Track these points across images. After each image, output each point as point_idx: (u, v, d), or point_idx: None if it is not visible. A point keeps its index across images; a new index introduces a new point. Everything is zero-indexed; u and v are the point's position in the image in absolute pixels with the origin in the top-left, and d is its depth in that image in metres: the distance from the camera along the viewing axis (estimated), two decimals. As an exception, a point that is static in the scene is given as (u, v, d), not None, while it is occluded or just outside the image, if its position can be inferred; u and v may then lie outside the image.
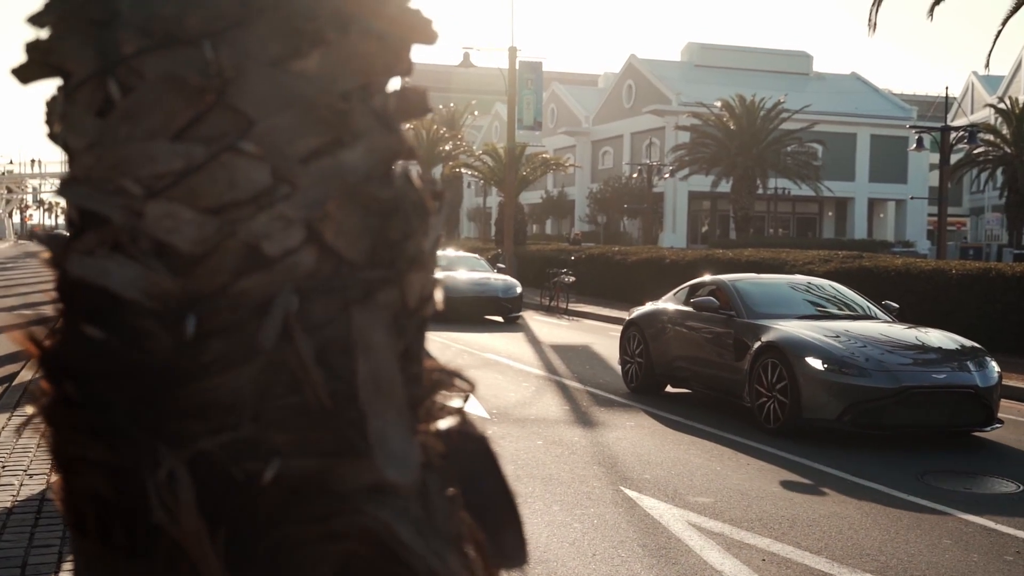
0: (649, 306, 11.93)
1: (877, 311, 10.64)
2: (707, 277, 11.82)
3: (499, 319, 20.43)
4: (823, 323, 9.68)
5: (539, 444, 7.95)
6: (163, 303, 1.17)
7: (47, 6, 1.23)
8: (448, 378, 1.39)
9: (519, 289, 20.87)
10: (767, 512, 6.15)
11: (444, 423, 1.35)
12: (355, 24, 1.27)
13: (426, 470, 1.28)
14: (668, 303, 11.54)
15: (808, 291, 11.16)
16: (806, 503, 6.40)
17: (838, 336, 9.06)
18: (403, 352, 1.28)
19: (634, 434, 8.52)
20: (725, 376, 9.84)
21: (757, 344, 9.26)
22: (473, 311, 20.11)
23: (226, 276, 1.18)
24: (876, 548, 5.53)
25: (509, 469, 6.98)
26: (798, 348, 8.85)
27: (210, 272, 1.18)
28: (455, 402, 1.38)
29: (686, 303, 11.10)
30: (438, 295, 1.34)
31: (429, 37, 1.36)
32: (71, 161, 1.25)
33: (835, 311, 10.52)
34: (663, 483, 6.77)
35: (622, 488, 6.57)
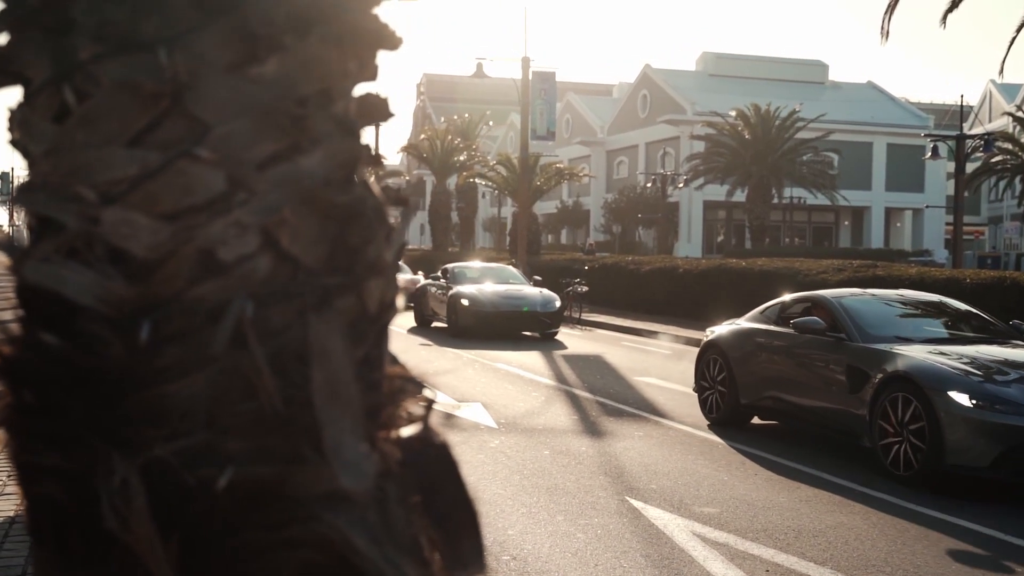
0: (730, 325, 10.42)
1: (1009, 331, 9.10)
2: (800, 293, 10.40)
3: (536, 335, 18.82)
4: (956, 348, 8.23)
5: (546, 454, 7.93)
6: (118, 309, 1.17)
7: (2, 13, 1.23)
8: (411, 385, 1.38)
9: (558, 303, 19.19)
10: (773, 522, 6.12)
11: (405, 430, 1.34)
12: (314, 30, 1.26)
13: (384, 478, 1.27)
14: (754, 322, 10.02)
15: (925, 309, 9.72)
16: (812, 513, 6.36)
17: (981, 364, 7.68)
18: (363, 359, 1.27)
19: (642, 444, 8.50)
20: (836, 410, 8.30)
21: (880, 375, 7.84)
22: (509, 327, 18.58)
23: (181, 282, 1.18)
24: (882, 559, 5.49)
25: (515, 479, 6.97)
26: (936, 380, 7.42)
27: (165, 278, 1.18)
28: (417, 409, 1.38)
29: (778, 323, 9.60)
30: (400, 301, 1.34)
31: (392, 43, 1.36)
32: (30, 167, 1.25)
33: (964, 333, 9.05)
34: (669, 493, 6.74)
35: (627, 498, 6.54)
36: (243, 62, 1.24)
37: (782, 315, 9.71)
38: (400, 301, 1.38)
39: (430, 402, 1.38)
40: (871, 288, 16.48)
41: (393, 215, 1.38)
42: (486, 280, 19.97)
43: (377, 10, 1.38)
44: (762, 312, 10.14)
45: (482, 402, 10.39)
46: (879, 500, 6.75)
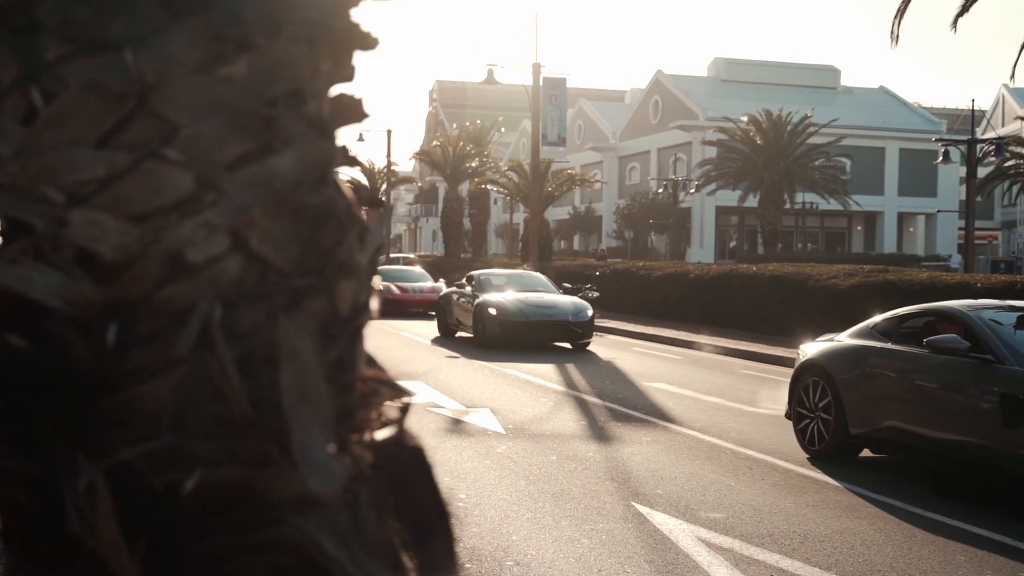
0: (831, 341, 9.00)
1: None
2: (920, 305, 8.84)
3: (567, 346, 17.87)
4: None
5: (553, 459, 7.91)
6: (85, 311, 1.16)
7: (-33, 14, 1.22)
8: (385, 388, 1.37)
9: (590, 312, 18.11)
10: (779, 528, 6.09)
11: (379, 433, 1.33)
12: (285, 30, 1.25)
13: (356, 481, 1.26)
14: (863, 339, 8.54)
15: None
16: (819, 518, 6.33)
17: None
18: (335, 361, 1.26)
19: (649, 449, 8.47)
20: (985, 448, 6.94)
21: None
22: (538, 337, 17.62)
23: (149, 284, 1.17)
24: (887, 564, 5.46)
25: (521, 484, 6.95)
26: None
27: (133, 280, 1.17)
28: (392, 412, 1.37)
29: (898, 340, 8.21)
30: (375, 304, 1.33)
31: (368, 44, 1.35)
32: (0, 169, 1.25)
33: None
34: (675, 498, 6.72)
35: (633, 503, 6.52)
36: (212, 62, 1.23)
37: (900, 331, 8.39)
38: (375, 304, 1.37)
39: (406, 405, 1.37)
40: (885, 291, 16.41)
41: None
42: (514, 288, 19.06)
43: (354, 11, 1.37)
44: (873, 327, 8.67)
45: (490, 408, 10.38)
46: (886, 505, 6.71)
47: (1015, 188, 45.42)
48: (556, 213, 56.13)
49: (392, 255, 48.46)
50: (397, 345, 17.50)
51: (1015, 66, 17.75)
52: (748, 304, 20.52)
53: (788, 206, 43.80)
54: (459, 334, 19.44)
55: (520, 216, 55.10)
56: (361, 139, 47.75)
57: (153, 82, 1.20)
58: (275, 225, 1.26)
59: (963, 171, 39.30)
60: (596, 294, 22.87)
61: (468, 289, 19.23)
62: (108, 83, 1.19)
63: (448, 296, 20.15)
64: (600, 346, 18.57)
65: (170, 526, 1.22)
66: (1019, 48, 17.64)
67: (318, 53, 1.33)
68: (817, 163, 44.37)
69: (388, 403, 1.39)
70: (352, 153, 1.40)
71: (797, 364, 9.14)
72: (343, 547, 1.24)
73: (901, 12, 17.70)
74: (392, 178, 50.34)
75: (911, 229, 58.53)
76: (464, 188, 45.70)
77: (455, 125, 53.69)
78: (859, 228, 57.84)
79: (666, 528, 5.94)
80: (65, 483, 1.18)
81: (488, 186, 41.66)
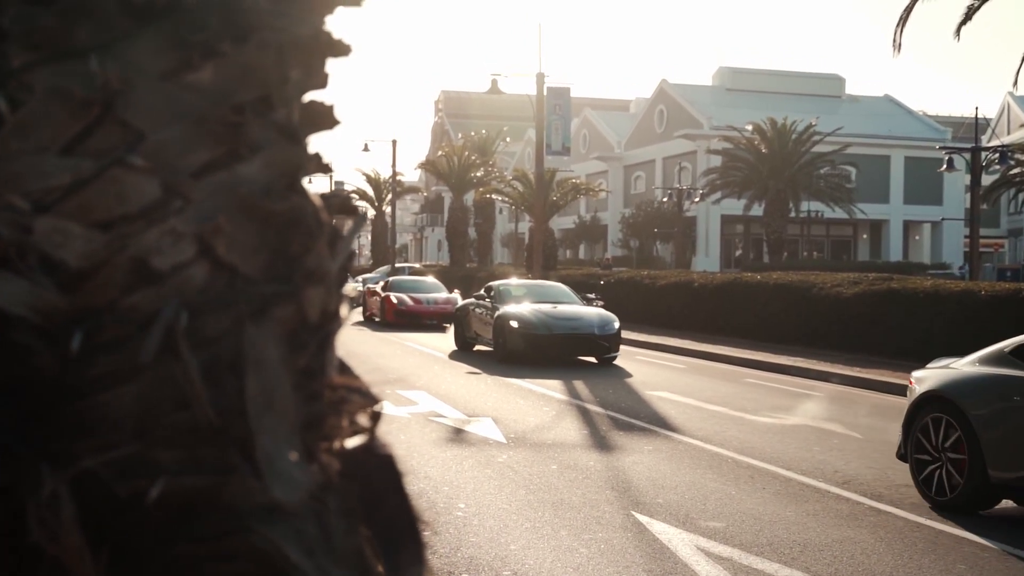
0: (949, 369, 7.62)
1: None
2: None
3: (592, 360, 17.05)
4: None
5: (553, 468, 7.90)
6: (50, 319, 1.16)
7: (-68, 21, 1.22)
8: (356, 395, 1.37)
9: (617, 324, 17.27)
10: (779, 537, 6.07)
11: (350, 441, 1.33)
12: (253, 37, 1.25)
13: (324, 489, 1.26)
14: (1001, 367, 7.19)
15: None
16: (819, 527, 6.31)
17: None
18: (303, 368, 1.26)
19: (651, 458, 8.45)
20: None
21: None
22: (563, 351, 16.78)
23: (115, 291, 1.17)
24: (887, 573, 5.44)
25: (520, 494, 6.94)
26: None
27: (99, 287, 1.17)
28: (363, 419, 1.36)
29: None
30: (344, 311, 1.32)
31: (340, 51, 1.35)
32: (-33, 177, 1.25)
33: None
34: (675, 507, 6.70)
35: (633, 512, 6.51)
36: (178, 69, 1.23)
37: None
38: (344, 311, 1.37)
39: (377, 413, 1.37)
40: (889, 299, 16.35)
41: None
42: (535, 299, 18.24)
43: (328, 17, 1.37)
44: (1010, 352, 7.40)
45: (492, 417, 10.37)
46: (887, 514, 6.69)
47: (1021, 196, 45.40)
48: (561, 222, 56.19)
49: (398, 265, 48.53)
50: (408, 357, 17.46)
51: (1018, 73, 17.74)
52: (752, 313, 20.51)
53: (793, 215, 43.83)
54: (477, 348, 18.83)
55: (525, 225, 55.13)
56: (367, 149, 47.95)
57: (118, 89, 1.20)
58: (242, 232, 1.26)
59: (969, 179, 39.27)
60: (601, 303, 22.84)
61: (487, 300, 18.48)
62: (73, 90, 1.19)
63: (465, 308, 19.46)
64: (604, 355, 18.54)
65: (134, 535, 1.21)
66: (1022, 56, 17.62)
67: (287, 60, 1.32)
68: (822, 171, 44.44)
69: (360, 411, 1.38)
70: (326, 160, 1.40)
71: (913, 396, 7.85)
72: (308, 556, 1.24)
73: (903, 20, 17.71)
74: (398, 188, 50.46)
75: (917, 237, 58.51)
76: (469, 198, 45.79)
77: (460, 135, 53.89)
78: (865, 236, 57.82)
79: (665, 537, 5.93)
80: (27, 491, 1.18)
81: (493, 196, 41.76)
